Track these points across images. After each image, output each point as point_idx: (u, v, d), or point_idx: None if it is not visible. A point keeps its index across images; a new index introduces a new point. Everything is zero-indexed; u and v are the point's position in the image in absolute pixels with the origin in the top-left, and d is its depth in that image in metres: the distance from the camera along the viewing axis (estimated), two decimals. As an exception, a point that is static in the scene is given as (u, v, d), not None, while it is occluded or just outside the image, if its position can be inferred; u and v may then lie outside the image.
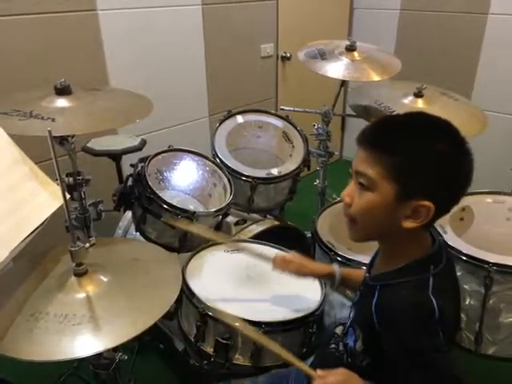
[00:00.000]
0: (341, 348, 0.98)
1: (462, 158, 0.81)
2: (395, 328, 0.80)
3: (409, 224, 0.82)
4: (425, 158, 0.79)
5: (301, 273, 1.17)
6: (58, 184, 0.92)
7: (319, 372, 0.85)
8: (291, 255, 1.19)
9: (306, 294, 1.26)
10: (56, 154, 0.88)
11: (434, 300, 0.78)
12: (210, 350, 1.18)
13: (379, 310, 0.84)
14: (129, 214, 1.69)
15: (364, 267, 1.08)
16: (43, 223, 0.95)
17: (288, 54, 2.93)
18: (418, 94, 1.80)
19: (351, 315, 0.99)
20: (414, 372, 0.78)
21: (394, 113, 1.74)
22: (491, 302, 1.45)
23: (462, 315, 1.50)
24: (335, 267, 1.17)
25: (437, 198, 0.80)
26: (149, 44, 2.22)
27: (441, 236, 0.94)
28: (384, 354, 0.82)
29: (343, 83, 1.95)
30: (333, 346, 1.01)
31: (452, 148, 0.80)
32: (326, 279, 1.25)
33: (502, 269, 1.40)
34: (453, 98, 1.89)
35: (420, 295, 0.80)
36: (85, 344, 0.82)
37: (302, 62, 1.83)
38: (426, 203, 0.79)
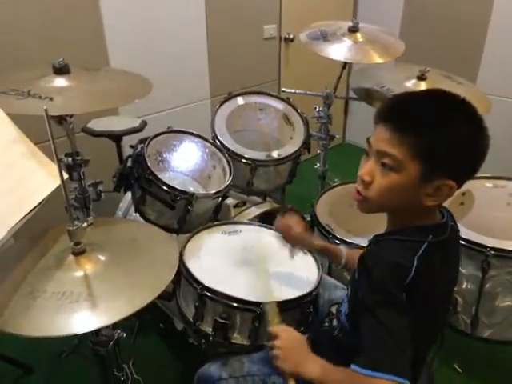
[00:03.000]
0: (334, 324, 0.99)
1: (482, 135, 0.81)
2: (368, 274, 0.81)
3: (430, 202, 0.83)
4: (453, 138, 0.79)
5: (298, 243, 1.20)
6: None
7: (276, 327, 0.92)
8: (295, 220, 1.20)
9: (303, 274, 1.27)
10: (54, 134, 0.88)
11: (415, 263, 0.80)
12: (208, 329, 1.19)
13: (362, 259, 0.86)
14: (129, 195, 1.69)
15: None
16: (41, 203, 0.96)
17: (291, 36, 2.89)
18: (421, 77, 1.78)
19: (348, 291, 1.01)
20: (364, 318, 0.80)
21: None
22: (488, 285, 1.46)
23: (459, 298, 1.52)
24: (342, 248, 1.21)
25: (459, 175, 0.82)
26: (150, 25, 2.19)
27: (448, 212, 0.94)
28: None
29: (345, 65, 1.93)
30: (326, 324, 1.02)
31: (475, 126, 0.81)
32: (321, 255, 1.30)
33: (500, 253, 1.41)
34: (456, 82, 1.87)
35: (404, 255, 0.81)
36: (81, 321, 0.83)
37: (304, 44, 1.80)
38: (450, 182, 0.80)
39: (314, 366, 0.83)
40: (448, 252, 0.90)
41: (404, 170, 0.80)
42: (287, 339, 0.89)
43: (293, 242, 1.23)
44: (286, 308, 1.15)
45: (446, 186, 0.81)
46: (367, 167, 0.85)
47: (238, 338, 1.18)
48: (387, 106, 0.85)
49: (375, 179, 0.84)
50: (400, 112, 0.83)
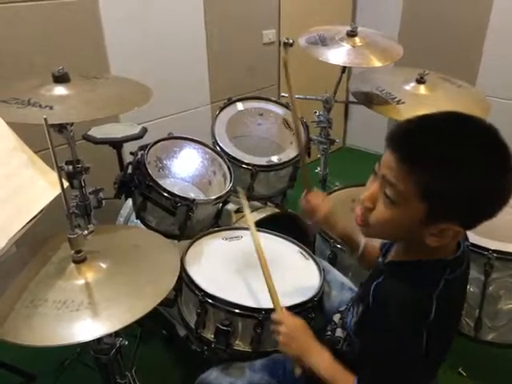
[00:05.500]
0: (336, 334, 0.98)
1: (509, 178, 0.70)
2: (385, 309, 0.76)
3: (433, 242, 0.75)
4: (472, 184, 0.68)
5: (321, 226, 1.17)
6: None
7: (280, 312, 0.95)
8: (320, 201, 1.10)
9: (305, 280, 1.27)
10: (54, 142, 0.89)
11: (434, 303, 0.75)
12: (210, 336, 1.19)
13: (378, 289, 0.80)
14: (130, 202, 1.69)
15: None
16: (42, 211, 0.96)
17: (290, 41, 2.89)
18: (420, 80, 1.78)
19: (356, 294, 0.98)
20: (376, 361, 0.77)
21: (395, 99, 1.73)
22: (491, 288, 1.45)
23: (462, 302, 1.51)
24: (362, 238, 1.12)
25: (470, 223, 0.74)
26: (149, 31, 2.20)
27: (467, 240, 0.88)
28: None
29: (344, 69, 1.93)
30: (329, 333, 1.01)
31: (501, 167, 0.69)
32: (340, 240, 1.26)
33: (502, 256, 1.41)
34: (456, 85, 1.87)
35: (424, 293, 0.76)
36: (83, 329, 0.83)
37: (303, 49, 1.80)
38: (457, 228, 0.72)
39: (320, 358, 0.84)
40: (465, 278, 0.86)
41: (406, 206, 0.73)
42: (290, 326, 0.93)
43: (316, 223, 1.13)
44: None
45: (452, 231, 0.73)
46: (370, 191, 0.78)
47: (239, 345, 1.17)
48: (400, 130, 0.76)
49: (377, 207, 0.78)
50: (414, 143, 0.72)
